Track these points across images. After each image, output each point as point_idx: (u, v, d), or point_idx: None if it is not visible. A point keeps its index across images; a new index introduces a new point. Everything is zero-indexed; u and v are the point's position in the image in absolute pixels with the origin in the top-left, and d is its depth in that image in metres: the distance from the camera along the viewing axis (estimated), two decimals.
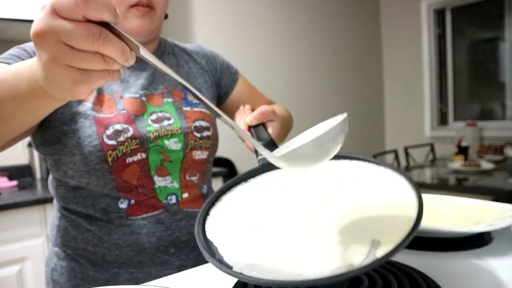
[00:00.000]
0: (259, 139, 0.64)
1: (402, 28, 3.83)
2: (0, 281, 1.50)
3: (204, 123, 0.78)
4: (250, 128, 0.68)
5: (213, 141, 0.80)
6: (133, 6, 0.70)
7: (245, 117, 0.69)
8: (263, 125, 0.69)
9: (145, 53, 0.37)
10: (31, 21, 1.82)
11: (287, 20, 3.11)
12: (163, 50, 0.84)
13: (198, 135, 0.76)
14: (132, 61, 0.38)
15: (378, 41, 3.96)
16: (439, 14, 3.66)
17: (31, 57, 0.66)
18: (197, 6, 2.58)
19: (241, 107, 0.77)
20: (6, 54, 0.66)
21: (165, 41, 0.86)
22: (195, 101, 0.80)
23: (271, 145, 0.61)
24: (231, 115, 0.90)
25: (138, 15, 0.71)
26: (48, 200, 1.58)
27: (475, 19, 3.49)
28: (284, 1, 3.09)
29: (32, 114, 0.47)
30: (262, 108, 0.70)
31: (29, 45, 0.69)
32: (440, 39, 3.68)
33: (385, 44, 3.98)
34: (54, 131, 0.68)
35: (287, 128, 0.89)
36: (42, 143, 0.71)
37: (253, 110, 0.73)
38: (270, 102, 0.96)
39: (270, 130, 0.68)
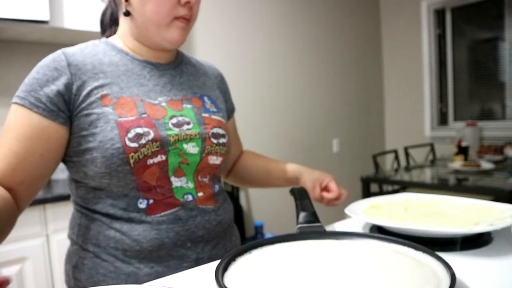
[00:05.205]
0: (302, 209, 0.71)
1: (402, 28, 3.83)
2: None
3: (220, 131, 0.82)
4: (296, 199, 0.77)
5: (227, 148, 0.84)
6: (177, 18, 0.74)
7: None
8: (309, 199, 0.77)
9: None
10: (31, 21, 1.83)
11: (287, 21, 3.11)
12: (181, 59, 0.87)
13: (215, 141, 0.80)
14: None
15: (378, 41, 3.97)
16: (439, 14, 3.67)
17: (40, 87, 0.68)
18: None
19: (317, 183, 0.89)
20: (21, 91, 0.69)
21: (182, 52, 0.90)
22: (212, 109, 0.84)
23: (314, 217, 0.69)
24: None
25: (181, 27, 0.75)
26: (48, 200, 1.58)
27: (475, 19, 3.49)
28: (284, 1, 3.09)
29: None
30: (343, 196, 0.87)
31: (42, 71, 0.70)
32: (440, 39, 3.69)
33: (385, 44, 3.98)
34: (73, 137, 0.71)
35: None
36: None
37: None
38: (240, 146, 1.05)
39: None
